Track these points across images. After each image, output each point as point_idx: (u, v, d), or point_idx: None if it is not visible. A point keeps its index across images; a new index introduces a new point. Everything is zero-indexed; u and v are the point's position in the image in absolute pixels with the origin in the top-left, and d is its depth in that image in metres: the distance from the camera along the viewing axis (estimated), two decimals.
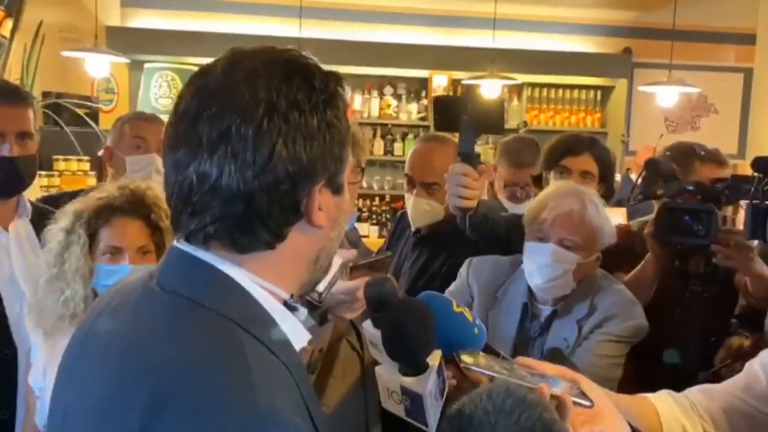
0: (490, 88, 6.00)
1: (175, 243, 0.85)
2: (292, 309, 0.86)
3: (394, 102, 6.90)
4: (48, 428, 0.92)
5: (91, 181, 4.43)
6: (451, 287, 1.98)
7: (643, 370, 2.03)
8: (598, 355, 1.78)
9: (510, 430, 0.85)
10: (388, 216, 6.57)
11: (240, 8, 6.66)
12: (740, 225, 2.05)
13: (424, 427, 1.03)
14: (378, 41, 6.61)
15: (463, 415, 0.87)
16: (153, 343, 0.77)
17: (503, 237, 1.99)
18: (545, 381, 0.99)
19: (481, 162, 1.88)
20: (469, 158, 1.80)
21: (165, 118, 1.12)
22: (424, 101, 6.87)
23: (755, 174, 1.88)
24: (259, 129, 0.77)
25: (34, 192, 2.87)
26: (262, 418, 0.71)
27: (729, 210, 2.19)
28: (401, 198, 2.64)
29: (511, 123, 6.59)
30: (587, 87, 7.05)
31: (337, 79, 0.86)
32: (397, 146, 6.83)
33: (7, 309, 1.92)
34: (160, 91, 6.26)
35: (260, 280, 0.82)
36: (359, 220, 6.33)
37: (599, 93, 7.08)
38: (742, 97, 7.10)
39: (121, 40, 6.11)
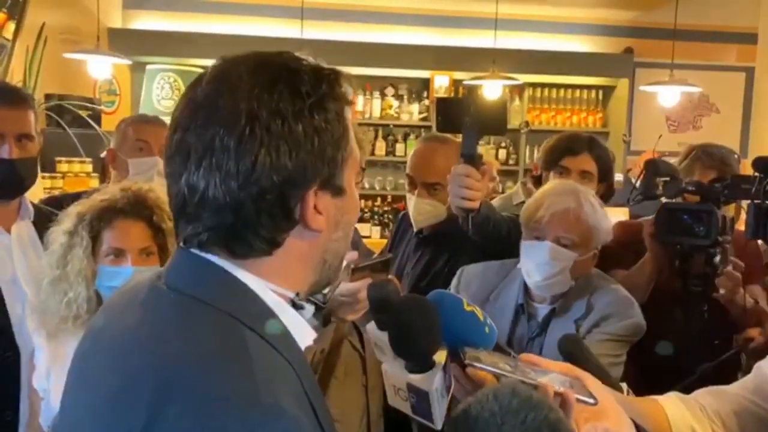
0: (491, 89, 6.00)
1: (181, 244, 0.86)
2: (298, 307, 0.87)
3: (395, 102, 6.90)
4: (58, 426, 0.92)
5: (94, 182, 4.44)
6: None
7: (644, 370, 2.04)
8: (598, 354, 1.78)
9: (516, 430, 0.85)
10: (390, 217, 6.57)
11: (242, 9, 6.66)
12: (742, 226, 2.06)
13: (430, 424, 1.03)
14: (379, 42, 6.62)
15: (469, 415, 0.87)
16: (158, 340, 0.79)
17: (505, 237, 1.99)
18: (548, 378, 0.99)
19: (483, 163, 1.89)
20: (472, 159, 1.81)
21: (167, 119, 1.13)
22: (426, 102, 6.87)
23: (756, 174, 1.88)
24: (241, 140, 0.78)
25: (37, 194, 2.87)
26: (265, 412, 0.71)
27: (730, 209, 2.20)
28: (403, 198, 2.63)
29: (512, 123, 6.58)
30: (589, 87, 7.04)
31: (332, 79, 0.84)
32: (399, 147, 6.84)
33: (9, 310, 1.92)
34: (162, 93, 6.27)
35: (263, 281, 0.83)
36: (361, 220, 6.33)
37: (601, 93, 7.08)
38: (743, 96, 7.10)
39: (123, 41, 6.13)
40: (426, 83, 6.88)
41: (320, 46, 5.95)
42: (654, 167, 2.10)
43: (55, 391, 1.62)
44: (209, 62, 0.86)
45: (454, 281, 2.02)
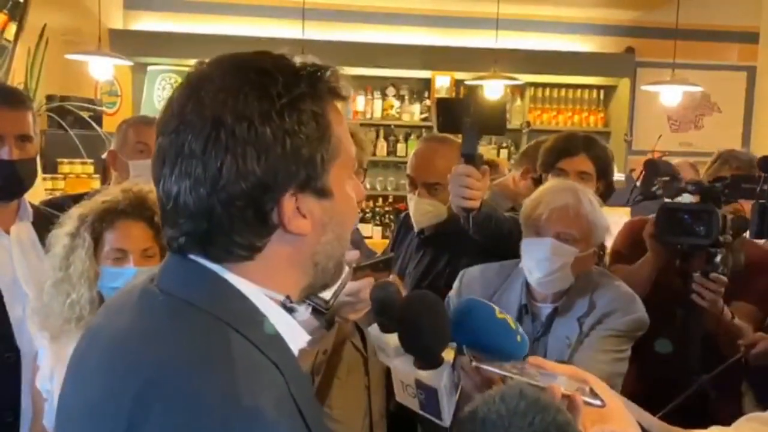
0: (492, 89, 5.99)
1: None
2: (290, 310, 0.86)
3: (396, 103, 6.90)
4: (55, 426, 0.93)
5: (95, 184, 4.44)
6: (448, 301, 1.98)
7: (644, 371, 2.03)
8: (601, 350, 1.78)
9: None
10: (391, 217, 6.56)
11: (243, 10, 6.66)
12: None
13: (438, 421, 1.03)
14: (380, 42, 6.61)
15: (476, 417, 0.87)
16: (144, 342, 0.79)
17: (507, 236, 2.00)
18: (556, 381, 0.99)
19: (484, 162, 1.90)
20: (472, 159, 1.82)
21: None
22: (427, 102, 6.86)
23: (761, 173, 1.89)
24: (206, 145, 0.77)
25: (38, 195, 2.88)
26: (245, 416, 0.71)
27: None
28: (404, 199, 2.64)
29: (514, 123, 6.59)
30: (590, 87, 7.03)
31: (315, 77, 0.82)
32: (400, 147, 6.83)
33: (9, 312, 1.91)
34: (163, 94, 6.26)
35: (252, 284, 0.82)
36: (362, 221, 6.32)
37: (602, 92, 7.07)
38: (745, 95, 7.09)
39: (124, 42, 6.12)
40: (427, 83, 6.88)
41: (321, 46, 5.96)
42: (654, 167, 2.10)
43: (58, 392, 1.62)
44: None
45: (456, 284, 2.02)
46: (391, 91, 6.91)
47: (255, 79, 0.79)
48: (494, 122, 1.91)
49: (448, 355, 1.02)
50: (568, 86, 7.00)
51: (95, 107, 5.36)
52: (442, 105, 1.98)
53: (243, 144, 0.77)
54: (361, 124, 6.15)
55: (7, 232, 1.99)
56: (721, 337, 2.09)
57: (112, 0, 6.23)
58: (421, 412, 1.06)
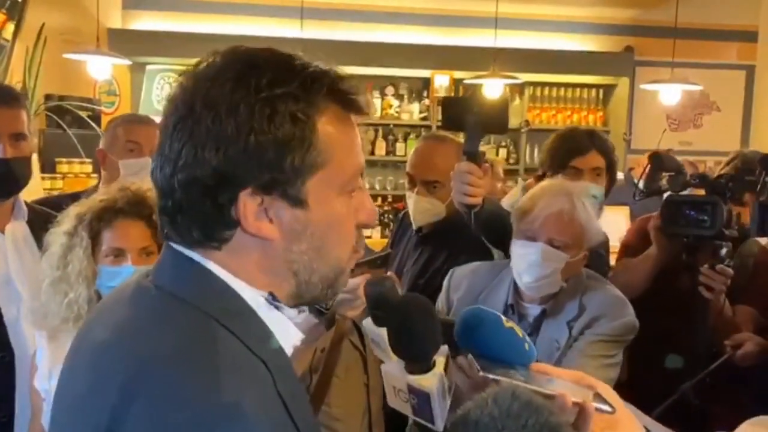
0: (492, 88, 5.99)
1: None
2: (276, 307, 0.85)
3: (395, 102, 6.90)
4: (49, 421, 0.93)
5: (94, 183, 4.43)
6: (438, 301, 1.97)
7: (640, 372, 2.03)
8: (591, 356, 1.75)
9: None
10: (390, 216, 6.56)
11: (241, 9, 6.66)
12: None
13: (430, 425, 1.03)
14: (380, 41, 6.61)
15: (469, 420, 0.86)
16: (132, 337, 0.79)
17: (507, 233, 1.99)
18: (564, 387, 0.98)
19: (486, 160, 1.90)
20: (474, 157, 1.82)
21: None
22: (426, 101, 6.86)
23: (761, 170, 1.89)
24: (175, 126, 0.79)
25: (36, 194, 2.87)
26: (224, 413, 0.71)
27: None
28: (404, 198, 2.64)
29: (512, 122, 6.58)
30: (589, 85, 7.04)
31: (313, 81, 0.79)
32: (399, 146, 6.83)
33: (3, 311, 1.90)
34: (161, 93, 6.27)
35: (234, 277, 0.82)
36: None
37: (601, 91, 7.08)
38: (744, 94, 7.09)
39: (123, 42, 6.12)
40: (426, 83, 6.88)
41: (320, 45, 5.92)
42: (659, 161, 2.10)
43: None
44: None
45: (445, 282, 2.00)
46: (390, 90, 6.91)
47: (240, 71, 0.78)
48: (497, 121, 1.90)
49: (440, 359, 1.01)
50: (567, 85, 7.00)
51: (94, 107, 5.37)
52: (447, 103, 1.98)
53: (205, 132, 0.77)
54: (360, 124, 6.13)
55: (2, 231, 1.98)
56: (719, 334, 2.08)
57: None
58: (413, 417, 1.05)
